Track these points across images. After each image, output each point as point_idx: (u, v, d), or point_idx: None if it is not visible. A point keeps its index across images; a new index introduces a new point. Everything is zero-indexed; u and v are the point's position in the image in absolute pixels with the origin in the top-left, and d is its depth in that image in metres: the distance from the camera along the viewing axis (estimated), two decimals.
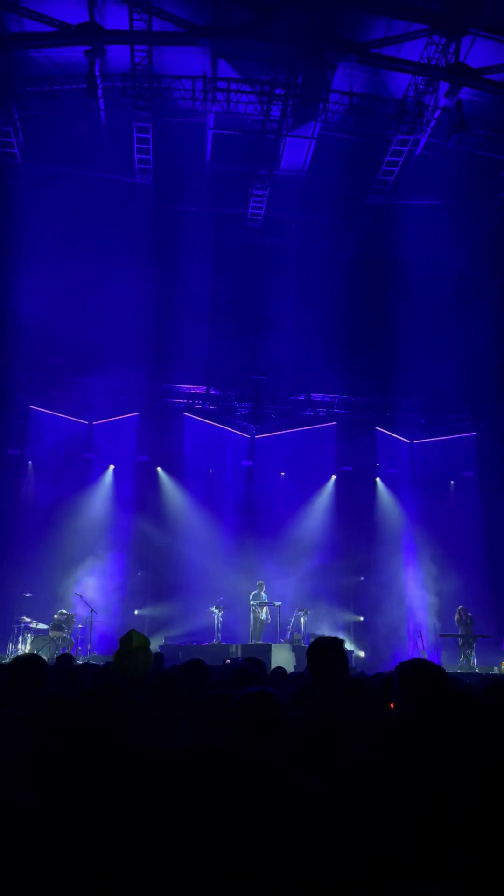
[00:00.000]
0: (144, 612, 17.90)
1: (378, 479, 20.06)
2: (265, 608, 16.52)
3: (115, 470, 19.25)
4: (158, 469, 19.38)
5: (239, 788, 1.98)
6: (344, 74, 15.56)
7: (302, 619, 16.38)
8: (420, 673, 2.70)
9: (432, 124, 16.34)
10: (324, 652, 3.41)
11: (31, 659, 3.95)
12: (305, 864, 1.96)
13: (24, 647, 14.65)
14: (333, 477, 19.89)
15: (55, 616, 15.33)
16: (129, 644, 4.71)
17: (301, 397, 20.07)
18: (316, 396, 20.16)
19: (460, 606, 16.39)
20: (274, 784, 2.25)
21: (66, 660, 7.57)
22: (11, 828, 2.02)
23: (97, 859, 1.89)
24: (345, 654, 3.51)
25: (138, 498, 18.79)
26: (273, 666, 9.06)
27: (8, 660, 7.48)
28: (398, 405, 20.02)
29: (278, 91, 15.41)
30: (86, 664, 8.72)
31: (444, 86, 15.23)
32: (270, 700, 2.58)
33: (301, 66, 15.00)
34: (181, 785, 1.99)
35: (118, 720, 2.36)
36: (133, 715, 2.43)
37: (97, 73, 14.80)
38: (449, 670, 13.05)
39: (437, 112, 16.04)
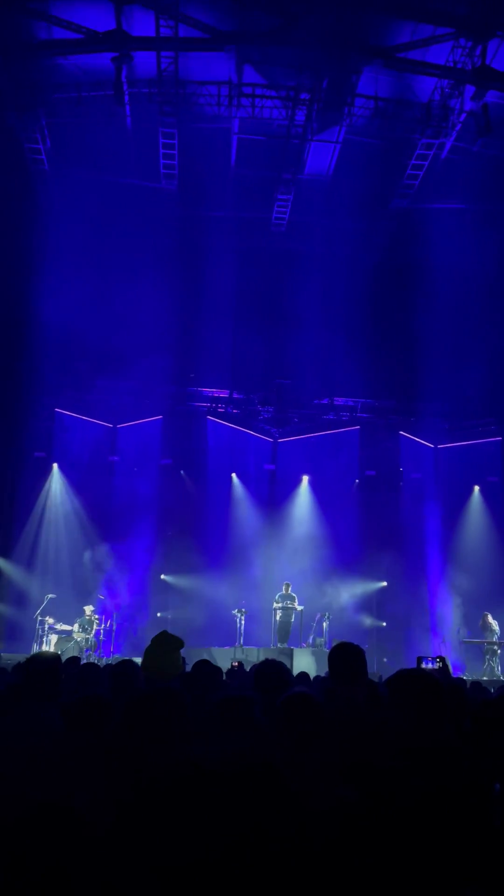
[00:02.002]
0: (167, 614, 17.96)
1: (402, 484, 19.94)
2: (291, 610, 16.42)
3: (138, 473, 19.34)
4: (182, 472, 19.46)
5: (284, 798, 1.99)
6: (369, 78, 15.55)
7: (324, 624, 16.32)
8: (411, 684, 2.67)
9: (458, 128, 16.27)
10: (345, 657, 3.42)
11: (47, 658, 3.99)
12: (343, 873, 1.96)
13: (49, 648, 14.78)
14: (356, 481, 19.81)
15: (83, 616, 15.45)
16: (162, 645, 4.70)
17: (324, 401, 20.02)
18: (339, 400, 20.10)
19: (485, 612, 16.24)
20: (313, 792, 2.25)
21: (73, 661, 7.65)
22: (62, 828, 2.02)
23: (148, 860, 1.89)
24: (364, 661, 3.51)
25: (161, 501, 18.87)
26: (295, 670, 9.04)
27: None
28: (422, 410, 19.88)
29: (303, 96, 15.44)
30: (97, 665, 8.76)
31: (470, 89, 15.15)
32: (313, 703, 2.58)
33: (326, 70, 15.02)
34: (229, 791, 1.99)
35: (174, 723, 2.36)
36: (185, 719, 2.43)
37: (124, 80, 14.94)
38: (473, 677, 12.94)
39: (463, 115, 15.96)
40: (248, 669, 9.11)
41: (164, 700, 2.47)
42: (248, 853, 1.86)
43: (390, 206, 18.39)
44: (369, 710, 3.24)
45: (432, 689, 2.65)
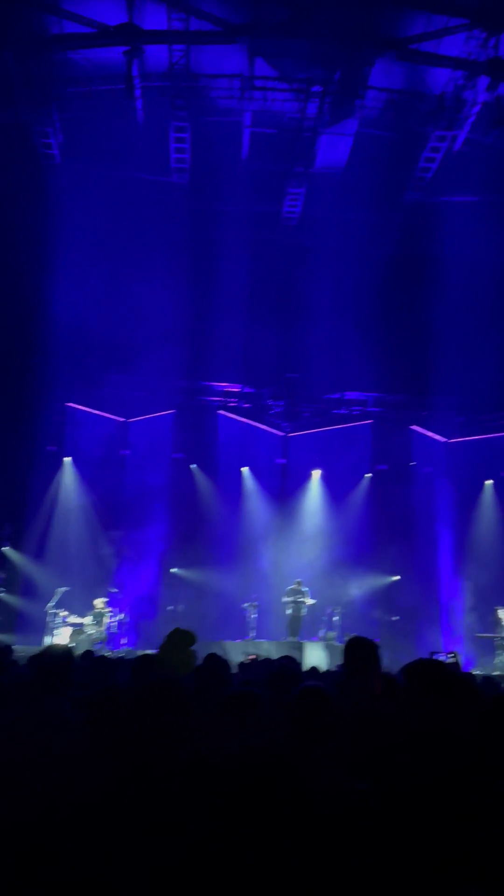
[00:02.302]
0: (178, 607, 18.03)
1: (413, 478, 19.87)
2: (301, 604, 16.45)
3: (149, 467, 19.39)
4: (193, 466, 19.48)
5: (292, 792, 1.98)
6: (382, 70, 15.45)
7: (335, 618, 16.33)
8: (427, 672, 2.66)
9: (471, 120, 16.12)
10: (359, 652, 3.41)
11: (59, 651, 4.01)
12: (356, 870, 1.95)
13: (61, 641, 14.87)
14: (368, 476, 19.76)
15: (94, 609, 15.54)
16: (176, 641, 4.70)
17: (336, 395, 19.98)
18: (350, 395, 20.05)
19: (497, 607, 16.18)
20: (324, 785, 2.24)
21: (88, 655, 7.68)
22: (72, 824, 2.03)
23: (145, 855, 1.90)
24: (378, 655, 3.51)
25: (173, 495, 18.92)
26: (306, 664, 9.06)
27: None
28: (434, 404, 19.78)
29: (315, 88, 15.36)
30: (110, 658, 8.81)
31: (483, 80, 15.01)
32: (325, 696, 2.57)
33: (339, 62, 14.93)
34: (234, 785, 1.98)
35: (176, 715, 2.36)
36: (188, 710, 2.43)
37: (135, 74, 14.92)
38: (484, 672, 12.91)
39: (477, 107, 15.81)
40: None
41: (165, 691, 2.47)
42: (255, 849, 1.86)
43: (403, 199, 18.27)
44: (385, 702, 3.23)
45: (448, 677, 2.65)
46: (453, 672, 2.73)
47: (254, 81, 15.66)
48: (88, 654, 7.72)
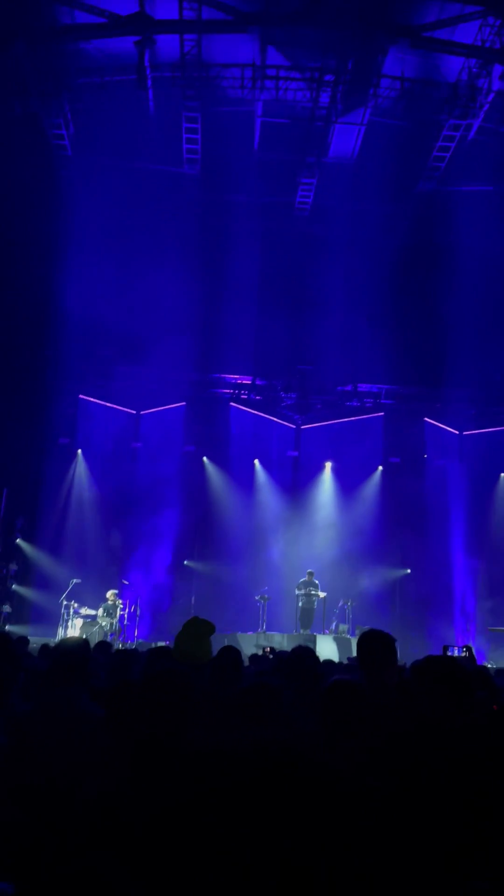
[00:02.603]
0: (190, 599, 18.07)
1: (426, 471, 19.78)
2: (313, 597, 16.44)
3: (161, 459, 19.41)
4: (205, 459, 19.49)
5: (314, 787, 1.96)
6: (395, 59, 15.31)
7: (347, 611, 16.32)
8: (437, 668, 2.63)
9: (486, 108, 15.96)
10: (374, 645, 3.39)
11: (76, 643, 4.01)
12: (367, 862, 1.93)
13: (74, 633, 14.94)
14: (380, 468, 19.69)
15: (106, 601, 15.60)
16: (194, 630, 4.68)
17: (348, 387, 19.89)
18: (363, 387, 19.95)
19: None
20: (346, 779, 2.21)
21: (104, 646, 7.70)
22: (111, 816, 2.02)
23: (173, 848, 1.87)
24: (394, 648, 3.49)
25: (185, 487, 18.93)
26: (318, 657, 9.03)
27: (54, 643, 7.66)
28: (447, 395, 19.64)
29: (328, 77, 15.24)
30: (127, 650, 8.84)
31: (498, 68, 14.87)
32: (357, 690, 2.55)
33: (351, 51, 14.80)
34: (257, 779, 1.96)
35: (181, 705, 2.35)
36: (194, 701, 2.42)
37: (147, 64, 14.87)
38: (497, 665, 12.85)
39: (491, 95, 15.65)
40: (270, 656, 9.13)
41: (170, 682, 2.46)
42: (273, 845, 1.83)
43: (416, 188, 18.14)
44: (399, 696, 3.21)
45: (458, 673, 2.62)
46: (464, 666, 2.70)
47: (266, 71, 15.57)
48: (105, 645, 7.74)
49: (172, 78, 15.46)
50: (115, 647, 10.05)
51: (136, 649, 10.34)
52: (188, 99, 15.92)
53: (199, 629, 4.69)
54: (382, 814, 2.09)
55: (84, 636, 13.75)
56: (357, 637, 4.12)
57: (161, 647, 5.30)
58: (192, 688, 2.50)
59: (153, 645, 10.86)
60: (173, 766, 2.14)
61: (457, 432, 20.07)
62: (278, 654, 8.44)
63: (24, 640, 8.74)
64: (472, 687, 2.68)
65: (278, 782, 1.94)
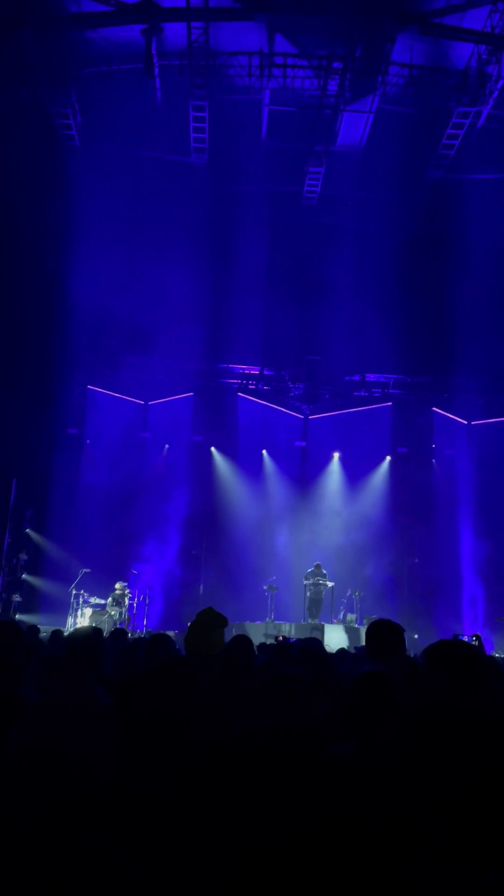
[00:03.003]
0: (199, 589, 18.15)
1: (434, 461, 19.75)
2: (321, 586, 16.49)
3: (170, 450, 19.47)
4: (212, 449, 19.52)
5: (317, 772, 1.99)
6: (403, 46, 15.15)
7: (355, 600, 16.36)
8: (450, 652, 2.63)
9: (495, 95, 15.80)
10: (383, 635, 3.41)
11: (89, 632, 4.03)
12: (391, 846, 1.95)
13: (83, 621, 15.05)
14: (388, 458, 19.67)
15: (114, 591, 15.69)
16: (206, 622, 4.69)
17: (356, 377, 19.86)
18: (371, 377, 19.91)
19: None
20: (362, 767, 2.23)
21: (120, 635, 7.74)
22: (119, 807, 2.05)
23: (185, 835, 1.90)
24: (403, 638, 3.51)
25: (193, 478, 18.98)
26: (326, 646, 9.06)
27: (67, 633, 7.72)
28: (456, 385, 19.59)
29: (336, 65, 15.12)
30: (141, 639, 8.91)
31: None
32: (385, 681, 2.56)
33: (359, 38, 14.67)
34: (265, 767, 1.99)
35: (183, 697, 2.38)
36: (196, 692, 2.44)
37: (154, 52, 14.78)
38: None
39: (501, 82, 15.50)
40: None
41: (166, 675, 2.48)
42: (296, 833, 1.86)
43: (425, 176, 18.00)
44: (408, 686, 3.23)
45: (471, 657, 2.63)
46: (476, 651, 2.71)
47: (273, 58, 15.45)
48: (120, 633, 7.80)
49: (180, 66, 15.36)
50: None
51: (144, 638, 10.40)
52: (195, 87, 15.82)
53: (210, 621, 4.70)
54: (398, 801, 2.12)
55: (94, 625, 13.85)
56: (365, 626, 4.14)
57: (160, 635, 5.33)
58: (191, 677, 2.52)
59: (155, 634, 10.91)
60: (177, 754, 2.16)
61: (465, 422, 20.02)
62: (283, 642, 8.48)
63: (34, 629, 8.82)
64: (483, 671, 2.69)
65: (280, 765, 1.97)
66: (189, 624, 4.90)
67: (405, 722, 2.40)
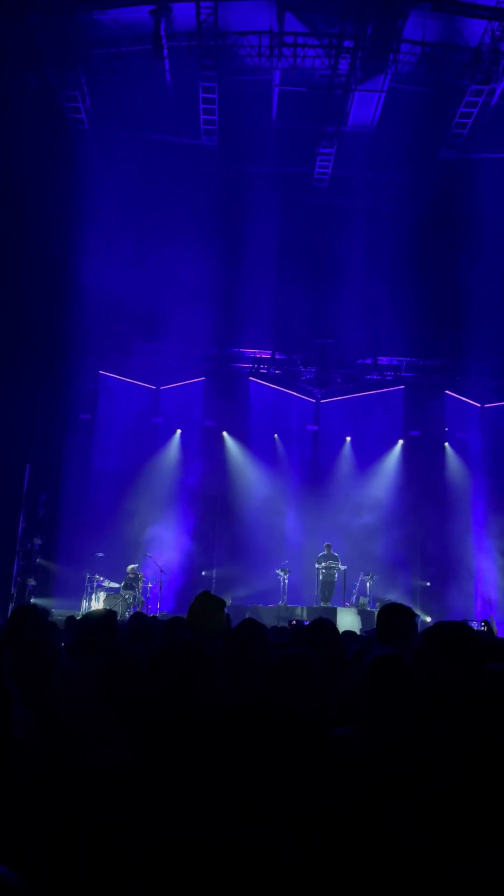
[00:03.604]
0: (211, 573, 18.26)
1: (447, 445, 19.68)
2: (333, 570, 16.55)
3: (182, 434, 19.51)
4: (224, 434, 19.53)
5: (310, 742, 2.01)
6: (415, 23, 14.92)
7: (368, 584, 16.40)
8: (445, 636, 2.64)
9: None
10: (393, 618, 3.42)
11: (103, 614, 4.07)
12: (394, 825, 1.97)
13: (98, 605, 15.19)
14: (400, 442, 19.62)
15: (127, 575, 15.82)
16: (205, 604, 4.76)
17: (368, 361, 19.76)
18: (383, 360, 19.82)
19: None
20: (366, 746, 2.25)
21: (139, 618, 7.80)
22: (107, 785, 2.08)
23: (177, 813, 1.94)
24: (414, 622, 3.52)
25: (205, 462, 19.03)
26: (339, 629, 9.09)
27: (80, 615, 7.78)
28: (469, 368, 19.47)
29: (347, 43, 14.90)
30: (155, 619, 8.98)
31: None
32: (401, 664, 2.58)
33: (371, 15, 14.43)
34: (251, 736, 2.01)
35: (194, 676, 2.40)
36: (207, 672, 2.47)
37: (163, 33, 14.63)
38: None
39: None
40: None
41: (182, 654, 2.50)
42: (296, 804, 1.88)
43: (437, 156, 17.75)
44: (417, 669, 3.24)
45: (469, 638, 2.64)
46: (474, 631, 2.71)
47: (283, 38, 15.26)
48: (140, 616, 7.87)
49: (189, 47, 15.21)
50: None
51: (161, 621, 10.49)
52: (205, 68, 15.66)
53: (209, 605, 4.78)
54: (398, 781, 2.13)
55: (108, 608, 13.97)
56: (378, 610, 4.16)
57: (176, 618, 5.41)
58: (203, 656, 2.55)
59: (172, 617, 11.00)
60: (191, 726, 2.19)
61: (478, 405, 19.91)
62: (296, 626, 8.53)
63: (44, 612, 8.89)
64: (485, 654, 2.69)
65: (281, 739, 1.99)
66: (191, 605, 4.98)
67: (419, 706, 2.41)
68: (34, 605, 5.32)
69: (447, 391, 19.74)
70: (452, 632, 2.52)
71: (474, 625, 9.36)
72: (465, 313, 17.62)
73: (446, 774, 1.96)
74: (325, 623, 4.62)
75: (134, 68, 15.41)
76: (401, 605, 3.54)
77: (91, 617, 3.91)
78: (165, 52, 15.14)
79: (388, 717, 2.47)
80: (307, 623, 9.19)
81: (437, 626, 2.58)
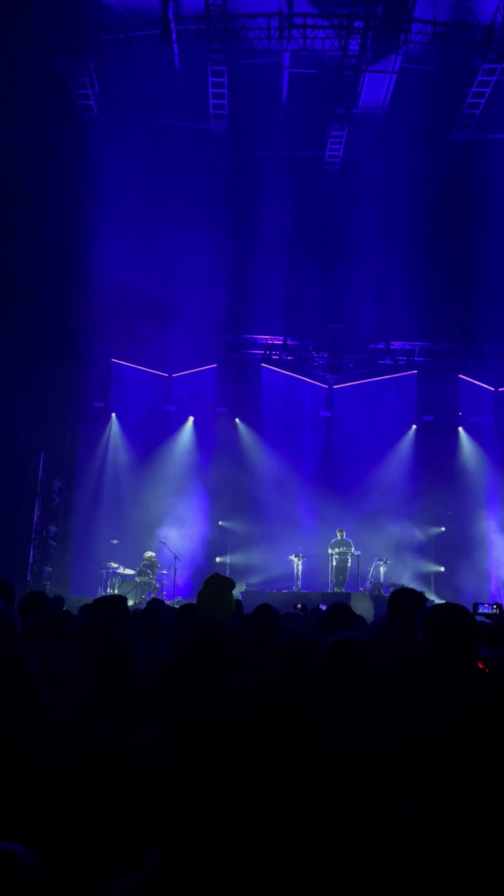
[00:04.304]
0: (225, 559, 18.34)
1: (461, 429, 19.58)
2: (347, 555, 16.58)
3: (194, 422, 19.55)
4: (237, 420, 19.54)
5: (311, 727, 2.03)
6: (426, 2, 14.70)
7: (381, 569, 16.41)
8: (437, 618, 2.64)
9: None
10: (403, 602, 3.44)
11: (113, 600, 4.10)
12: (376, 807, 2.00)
13: (113, 592, 15.31)
14: (414, 427, 19.54)
15: (143, 562, 15.92)
16: (215, 586, 4.79)
17: (380, 345, 19.65)
18: (396, 344, 19.69)
19: None
20: (354, 727, 2.29)
21: (156, 604, 7.87)
22: (129, 769, 2.11)
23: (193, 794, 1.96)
24: (425, 606, 3.53)
25: (218, 449, 19.06)
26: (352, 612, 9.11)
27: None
28: (483, 351, 19.31)
29: (357, 24, 14.71)
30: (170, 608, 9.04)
31: None
32: (360, 646, 2.61)
33: None
34: (256, 721, 2.03)
35: (232, 657, 2.42)
36: (242, 653, 2.48)
37: (171, 17, 14.52)
38: None
39: None
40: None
41: (222, 636, 2.52)
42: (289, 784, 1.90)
43: (450, 137, 17.54)
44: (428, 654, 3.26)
45: (464, 620, 2.65)
46: (469, 613, 2.74)
47: (293, 19, 15.09)
48: (157, 602, 7.93)
49: (197, 31, 15.07)
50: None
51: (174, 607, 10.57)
52: (214, 52, 15.53)
53: (220, 585, 4.81)
54: (391, 754, 2.15)
55: (120, 594, 14.09)
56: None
57: (188, 604, 5.46)
58: (243, 643, 2.58)
59: (183, 603, 11.10)
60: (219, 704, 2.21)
61: (492, 389, 19.76)
62: (313, 611, 8.56)
63: (59, 600, 8.97)
64: (478, 637, 2.71)
65: (276, 721, 2.02)
66: (199, 590, 5.01)
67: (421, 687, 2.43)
68: (42, 593, 5.37)
69: (461, 375, 19.60)
70: (444, 614, 2.53)
71: (485, 608, 9.35)
72: (479, 296, 17.48)
73: (437, 751, 1.97)
74: (343, 608, 4.66)
75: (142, 53, 15.31)
76: (410, 589, 3.55)
77: (103, 602, 3.94)
78: (174, 36, 15.02)
79: (344, 701, 2.49)
80: (323, 607, 9.24)
81: (431, 609, 2.60)
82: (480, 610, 9.11)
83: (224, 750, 1.92)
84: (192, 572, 17.54)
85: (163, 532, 17.55)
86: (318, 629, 4.54)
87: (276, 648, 3.82)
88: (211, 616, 4.61)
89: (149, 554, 16.14)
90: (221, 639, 2.53)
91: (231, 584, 4.97)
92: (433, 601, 16.18)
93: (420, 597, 3.51)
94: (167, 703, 2.41)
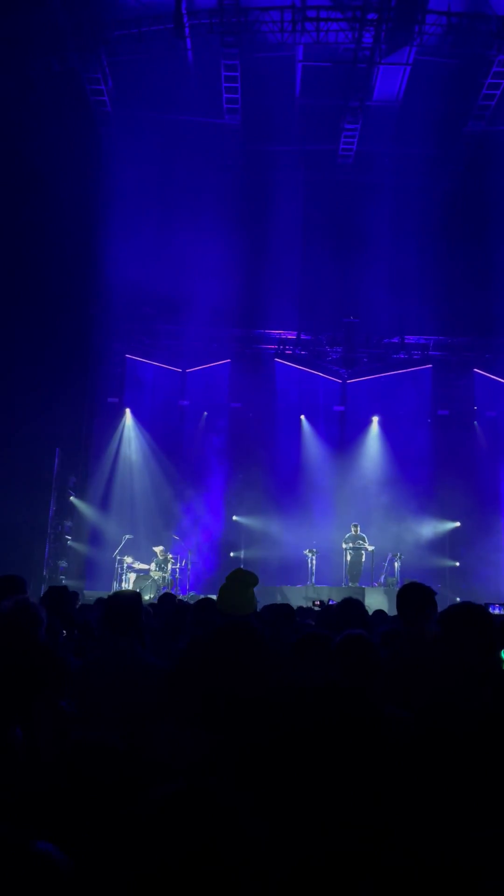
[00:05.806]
0: (239, 553, 18.37)
1: (476, 423, 19.46)
2: (361, 550, 16.55)
3: (208, 416, 19.57)
4: (251, 415, 19.53)
5: (371, 725, 2.04)
6: None
7: (396, 564, 16.37)
8: (462, 617, 2.64)
9: None
10: (412, 597, 3.44)
11: (128, 596, 4.12)
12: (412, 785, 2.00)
13: (127, 587, 15.39)
14: (429, 421, 19.44)
15: (156, 556, 15.99)
16: (238, 581, 4.77)
17: (395, 340, 19.55)
18: (410, 338, 19.58)
19: None
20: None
21: (168, 598, 7.91)
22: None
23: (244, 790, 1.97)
24: (434, 601, 3.52)
25: (232, 444, 19.08)
26: (369, 610, 9.11)
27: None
28: (499, 345, 19.17)
29: (371, 16, 14.60)
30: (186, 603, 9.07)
31: None
32: (367, 643, 2.62)
33: None
34: (320, 720, 2.05)
35: (253, 654, 2.43)
36: (263, 650, 2.50)
37: (184, 12, 14.49)
38: None
39: None
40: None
41: (242, 632, 2.53)
42: (335, 765, 1.92)
43: (465, 129, 17.39)
44: (438, 647, 3.26)
45: (482, 619, 2.65)
46: (487, 612, 2.73)
47: (306, 12, 15.00)
48: (169, 597, 7.97)
49: (210, 24, 15.04)
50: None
51: (188, 602, 10.61)
52: (227, 46, 15.48)
53: (243, 580, 4.78)
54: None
55: (138, 590, 14.16)
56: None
57: (206, 599, 5.47)
58: (261, 637, 2.59)
59: (202, 597, 11.14)
60: (253, 710, 2.22)
61: None
62: (326, 606, 8.57)
63: (73, 595, 9.03)
64: (494, 632, 2.71)
65: (344, 716, 2.03)
66: (221, 585, 4.99)
67: (432, 681, 2.43)
68: (65, 587, 5.42)
69: (476, 369, 19.47)
70: (465, 614, 2.53)
71: (496, 608, 9.32)
72: (495, 289, 17.35)
73: (451, 750, 1.98)
74: (354, 603, 4.66)
75: (156, 48, 15.30)
76: (420, 584, 3.55)
77: (118, 598, 3.96)
78: (187, 30, 14.99)
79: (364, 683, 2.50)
80: (332, 602, 9.25)
81: (451, 608, 2.60)
82: (491, 609, 9.07)
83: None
84: (205, 567, 17.59)
85: (177, 527, 17.61)
86: (327, 624, 4.55)
87: (290, 642, 3.84)
88: (231, 612, 4.58)
89: (160, 548, 16.21)
90: (245, 634, 2.55)
91: (254, 580, 4.93)
92: (452, 597, 16.10)
93: (428, 591, 3.51)
94: (187, 695, 2.42)
